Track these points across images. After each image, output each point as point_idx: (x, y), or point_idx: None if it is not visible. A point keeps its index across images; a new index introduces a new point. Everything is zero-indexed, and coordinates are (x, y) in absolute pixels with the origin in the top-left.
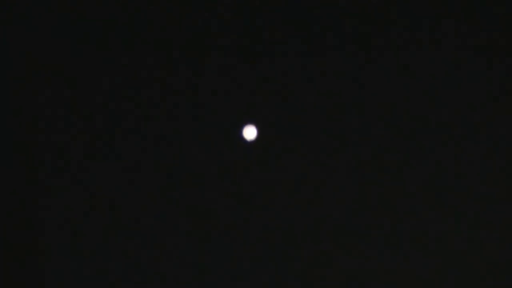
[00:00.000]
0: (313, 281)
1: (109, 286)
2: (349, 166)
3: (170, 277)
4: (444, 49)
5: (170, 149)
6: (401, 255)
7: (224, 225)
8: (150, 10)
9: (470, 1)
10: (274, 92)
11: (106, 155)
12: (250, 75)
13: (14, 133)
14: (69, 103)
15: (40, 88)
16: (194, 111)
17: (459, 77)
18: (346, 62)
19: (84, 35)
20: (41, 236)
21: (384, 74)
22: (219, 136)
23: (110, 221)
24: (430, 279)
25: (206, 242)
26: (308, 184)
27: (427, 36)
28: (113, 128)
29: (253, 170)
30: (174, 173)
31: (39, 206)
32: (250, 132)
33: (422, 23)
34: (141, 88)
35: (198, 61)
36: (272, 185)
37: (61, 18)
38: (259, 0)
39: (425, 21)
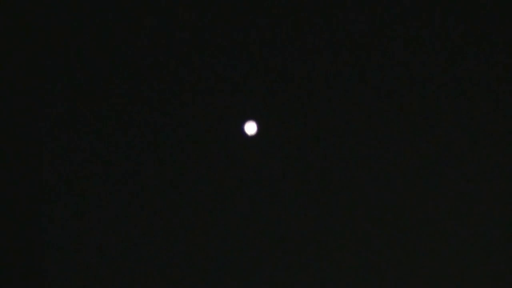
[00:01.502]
0: (313, 277)
1: (109, 285)
2: (348, 161)
3: (170, 274)
4: (444, 49)
5: (171, 145)
6: (400, 252)
7: (225, 219)
8: (151, 6)
9: (470, 1)
10: (275, 89)
11: (107, 150)
12: (250, 72)
13: (15, 133)
14: (67, 102)
15: (41, 89)
16: (195, 108)
17: (459, 76)
18: (345, 59)
19: (84, 33)
20: (42, 237)
21: (383, 71)
22: (220, 131)
23: (112, 217)
24: (429, 279)
25: (207, 236)
26: (308, 179)
27: (427, 35)
28: (113, 121)
29: (254, 165)
30: (175, 170)
31: (39, 207)
32: (250, 128)
33: (422, 23)
34: (143, 86)
35: (199, 59)
36: (273, 180)
37: (62, 18)
38: None
39: (425, 21)
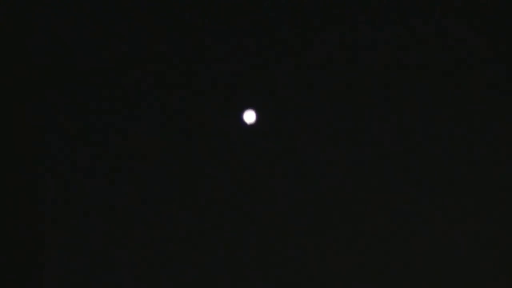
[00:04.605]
0: (312, 267)
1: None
2: (346, 151)
3: (169, 267)
4: (445, 49)
5: (172, 135)
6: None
7: (224, 207)
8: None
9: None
10: (274, 79)
11: (106, 142)
12: (250, 64)
13: (15, 134)
14: (65, 100)
15: (40, 89)
16: (195, 97)
17: (460, 76)
18: (345, 50)
19: (83, 29)
20: (41, 237)
21: (381, 65)
22: (219, 120)
23: (114, 209)
24: (429, 278)
25: (206, 230)
26: (305, 167)
27: (428, 34)
28: (112, 112)
29: (253, 152)
30: (176, 159)
31: (39, 207)
32: (249, 116)
33: (424, 22)
34: (143, 77)
35: (200, 50)
36: (271, 168)
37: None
38: None
39: (428, 21)
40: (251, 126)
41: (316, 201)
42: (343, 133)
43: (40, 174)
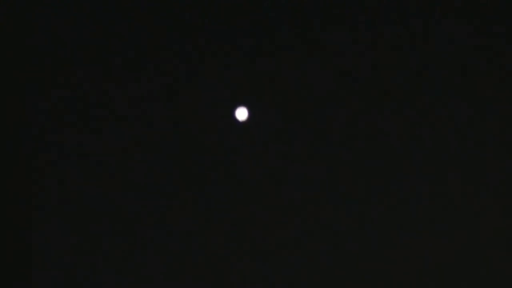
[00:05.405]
0: (307, 265)
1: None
2: (340, 149)
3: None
4: (447, 49)
5: (166, 131)
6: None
7: (218, 203)
8: None
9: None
10: (266, 76)
11: (106, 141)
12: (242, 61)
13: (13, 133)
14: (65, 100)
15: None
16: (187, 94)
17: (460, 76)
18: (343, 50)
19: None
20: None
21: (377, 62)
22: (211, 117)
23: (111, 208)
24: (429, 278)
25: (201, 227)
26: (298, 165)
27: (429, 34)
28: (111, 111)
29: (245, 150)
30: (169, 156)
31: (35, 207)
32: (241, 113)
33: (426, 22)
34: (135, 76)
35: (192, 48)
36: (264, 165)
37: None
38: None
39: (429, 21)
40: (243, 123)
41: (310, 199)
42: (338, 132)
43: (39, 174)
